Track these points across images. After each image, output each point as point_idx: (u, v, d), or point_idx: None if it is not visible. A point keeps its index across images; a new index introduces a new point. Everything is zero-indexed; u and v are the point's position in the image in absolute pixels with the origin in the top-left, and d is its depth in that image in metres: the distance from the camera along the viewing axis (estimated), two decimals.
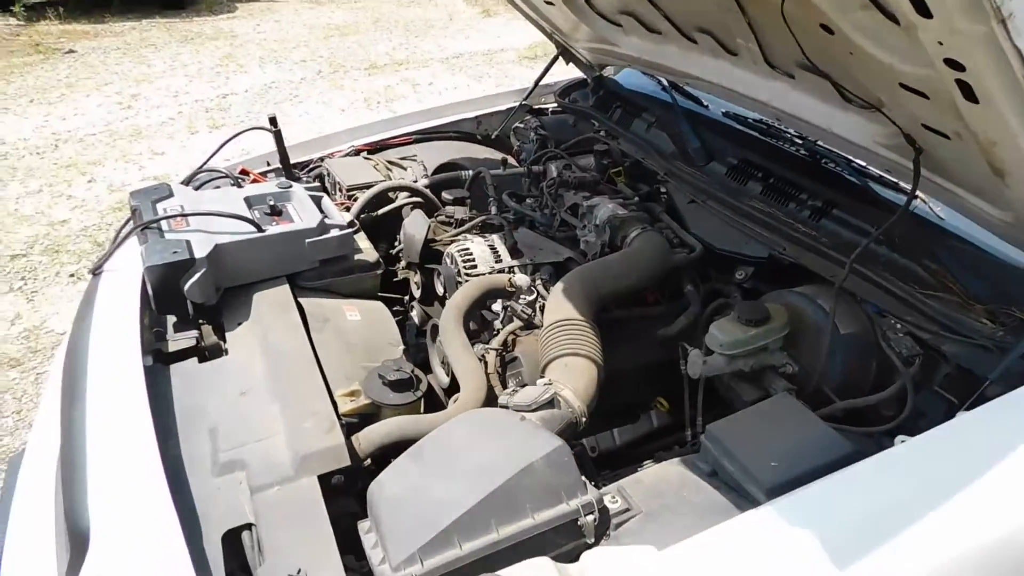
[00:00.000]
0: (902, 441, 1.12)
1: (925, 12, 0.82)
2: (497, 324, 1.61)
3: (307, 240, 1.62)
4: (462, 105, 2.63)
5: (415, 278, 1.92)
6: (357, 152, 2.36)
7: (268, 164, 2.29)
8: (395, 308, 1.95)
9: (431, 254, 1.90)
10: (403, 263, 1.99)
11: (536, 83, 2.63)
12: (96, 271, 1.73)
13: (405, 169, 2.28)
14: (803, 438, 1.16)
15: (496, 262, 1.71)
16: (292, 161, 2.21)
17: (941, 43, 0.85)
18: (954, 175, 1.29)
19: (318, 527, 1.10)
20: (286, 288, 1.61)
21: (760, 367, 1.47)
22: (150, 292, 1.50)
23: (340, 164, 2.24)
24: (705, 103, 2.18)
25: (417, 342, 1.87)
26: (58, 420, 1.64)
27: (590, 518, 1.10)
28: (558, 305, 1.47)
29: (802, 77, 1.51)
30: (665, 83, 2.28)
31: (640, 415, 1.71)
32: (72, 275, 3.54)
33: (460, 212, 1.96)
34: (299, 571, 1.03)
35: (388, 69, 7.59)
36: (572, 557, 1.08)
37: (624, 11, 1.95)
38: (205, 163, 2.02)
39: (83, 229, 3.99)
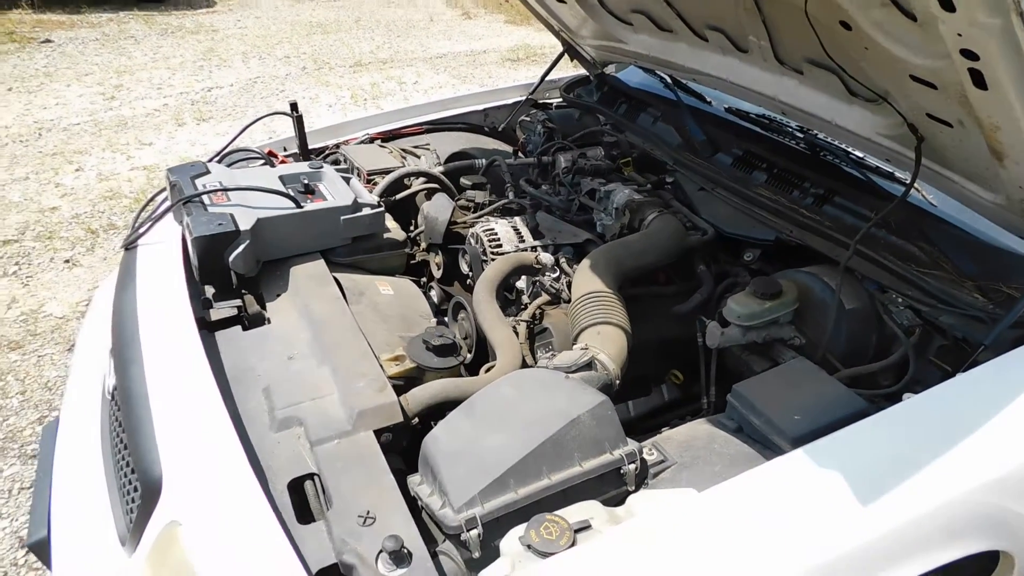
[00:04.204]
0: (909, 398, 1.23)
1: (949, 7, 0.94)
2: (525, 299, 1.70)
3: (342, 217, 1.69)
4: (470, 98, 2.72)
5: (436, 259, 2.00)
6: (371, 140, 2.43)
7: (285, 149, 2.34)
8: None
9: (451, 236, 1.98)
10: (423, 245, 2.07)
11: (542, 78, 2.73)
12: (129, 245, 1.77)
13: (419, 157, 2.35)
14: (821, 395, 1.27)
15: (520, 242, 1.80)
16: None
17: (960, 35, 0.96)
18: (951, 162, 1.42)
19: (380, 475, 1.18)
20: (322, 263, 1.68)
21: (770, 339, 1.58)
22: (194, 262, 1.56)
23: (357, 151, 2.30)
24: (708, 99, 2.30)
25: (438, 320, 1.94)
26: (88, 389, 1.69)
27: (632, 467, 1.19)
28: (586, 279, 1.57)
29: (810, 72, 1.63)
30: (668, 80, 2.40)
31: (653, 388, 1.81)
32: (67, 261, 3.53)
33: (480, 196, 2.05)
34: (367, 512, 1.10)
35: (373, 67, 7.63)
36: (615, 503, 1.17)
37: (636, 10, 2.06)
38: (228, 145, 2.08)
39: (75, 216, 3.97)
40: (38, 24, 8.25)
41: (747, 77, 1.87)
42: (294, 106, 2.19)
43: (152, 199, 1.95)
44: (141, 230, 1.78)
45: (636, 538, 1.00)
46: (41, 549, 1.42)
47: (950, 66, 1.07)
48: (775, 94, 1.81)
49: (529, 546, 1.02)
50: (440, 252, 1.99)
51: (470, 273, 1.88)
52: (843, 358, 1.56)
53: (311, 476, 1.19)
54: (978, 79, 1.02)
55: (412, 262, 2.13)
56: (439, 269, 2.01)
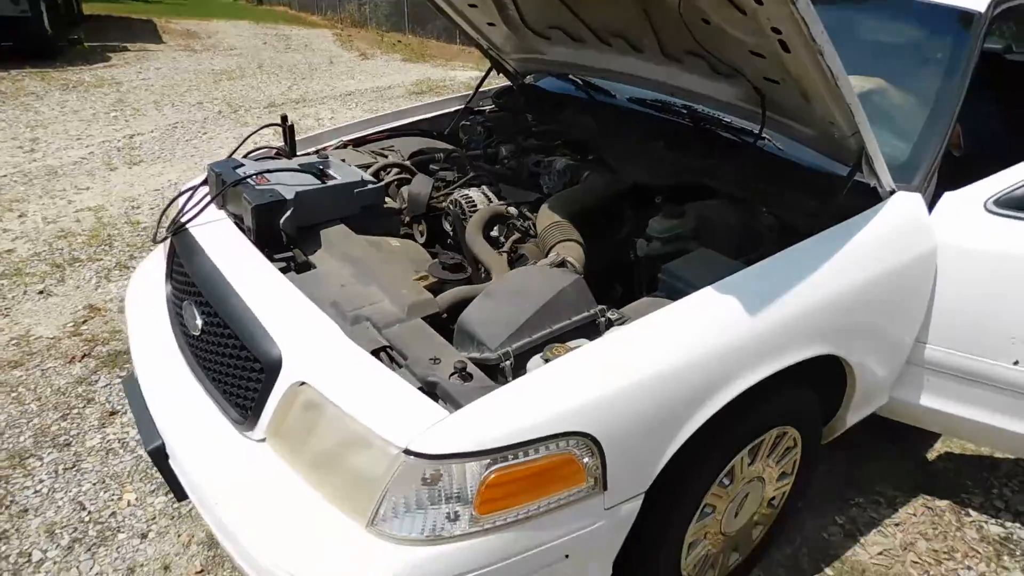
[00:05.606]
0: None
1: (760, 3, 1.59)
2: (501, 239, 2.25)
3: (355, 190, 2.18)
4: (418, 108, 3.28)
5: (420, 227, 2.52)
6: (345, 145, 2.92)
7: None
8: None
9: (430, 208, 2.51)
10: (406, 219, 2.58)
11: (476, 90, 3.33)
12: (177, 231, 2.18)
13: (387, 156, 2.87)
14: (717, 265, 1.89)
15: (490, 203, 2.35)
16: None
17: (768, 18, 1.62)
18: (785, 110, 2.10)
19: (435, 339, 1.68)
20: (344, 226, 2.16)
21: (679, 251, 2.20)
22: (252, 227, 2.00)
23: (336, 154, 2.79)
24: (613, 93, 2.96)
25: None
26: (153, 347, 2.09)
27: (603, 319, 1.76)
28: (548, 215, 2.14)
29: (688, 60, 2.30)
30: (580, 82, 3.05)
31: None
32: (41, 292, 3.75)
33: (449, 175, 2.59)
34: (434, 356, 1.60)
35: (287, 107, 8.02)
36: None
37: (553, 25, 2.69)
38: (236, 148, 2.53)
39: (34, 255, 4.16)
40: None
41: (644, 70, 2.53)
42: (284, 118, 2.65)
43: (175, 199, 2.36)
44: (184, 218, 2.19)
45: (614, 338, 1.57)
46: (158, 454, 1.81)
47: (769, 40, 1.73)
48: (665, 79, 2.47)
49: (546, 359, 1.57)
50: (423, 221, 2.51)
51: (452, 232, 2.41)
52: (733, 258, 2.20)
53: (384, 348, 1.68)
54: (784, 46, 1.69)
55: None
56: (423, 236, 2.52)
